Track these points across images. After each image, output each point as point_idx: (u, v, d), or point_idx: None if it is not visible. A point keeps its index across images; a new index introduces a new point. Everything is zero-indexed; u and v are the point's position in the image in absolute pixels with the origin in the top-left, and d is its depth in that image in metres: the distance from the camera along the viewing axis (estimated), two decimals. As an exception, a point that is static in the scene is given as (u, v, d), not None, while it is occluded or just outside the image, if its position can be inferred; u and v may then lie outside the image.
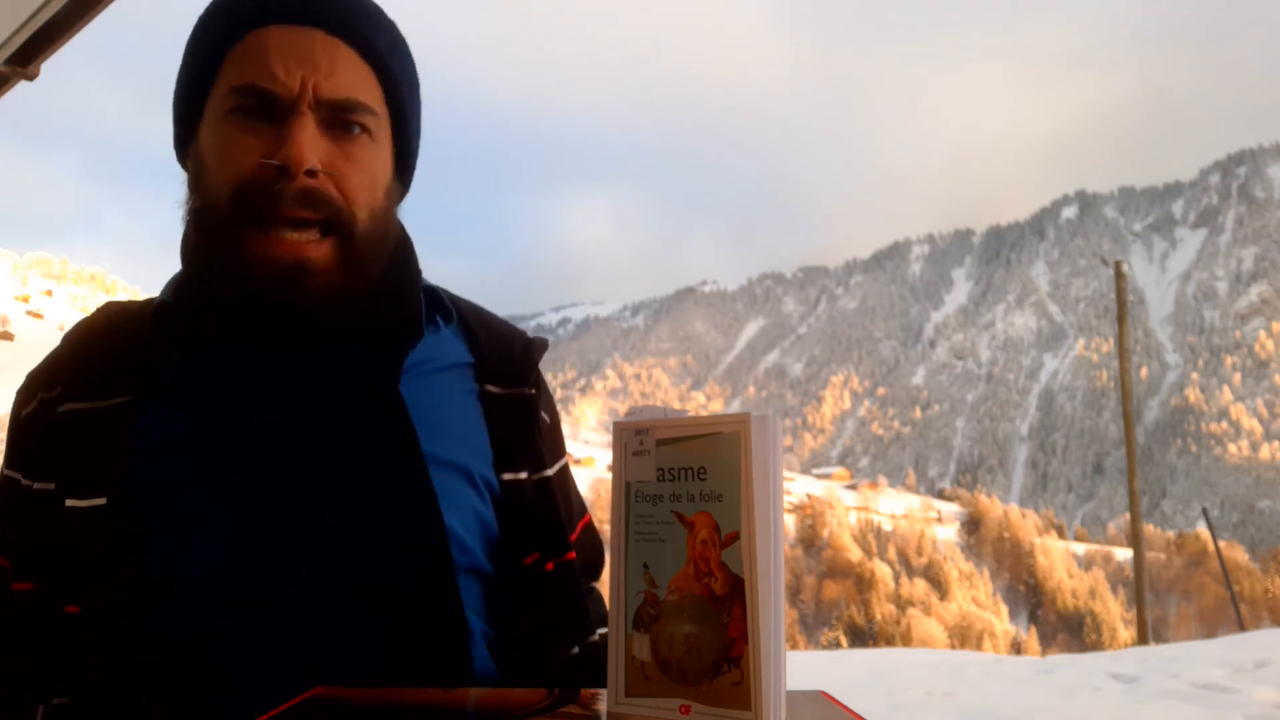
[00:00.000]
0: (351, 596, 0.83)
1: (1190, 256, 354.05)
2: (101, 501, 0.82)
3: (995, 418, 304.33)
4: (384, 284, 0.91)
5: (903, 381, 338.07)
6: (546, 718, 0.66)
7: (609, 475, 0.69)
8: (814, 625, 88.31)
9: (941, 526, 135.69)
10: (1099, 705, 5.40)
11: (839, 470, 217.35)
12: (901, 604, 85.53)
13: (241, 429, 0.85)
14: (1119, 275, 15.90)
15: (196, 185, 0.88)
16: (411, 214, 1.00)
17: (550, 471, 1.02)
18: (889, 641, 71.93)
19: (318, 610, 0.81)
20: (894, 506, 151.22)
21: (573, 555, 0.98)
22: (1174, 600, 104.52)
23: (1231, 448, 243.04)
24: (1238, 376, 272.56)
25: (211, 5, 0.89)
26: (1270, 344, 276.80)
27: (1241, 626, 15.08)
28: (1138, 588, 14.18)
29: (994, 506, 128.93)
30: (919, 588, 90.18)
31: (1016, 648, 76.17)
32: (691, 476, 0.63)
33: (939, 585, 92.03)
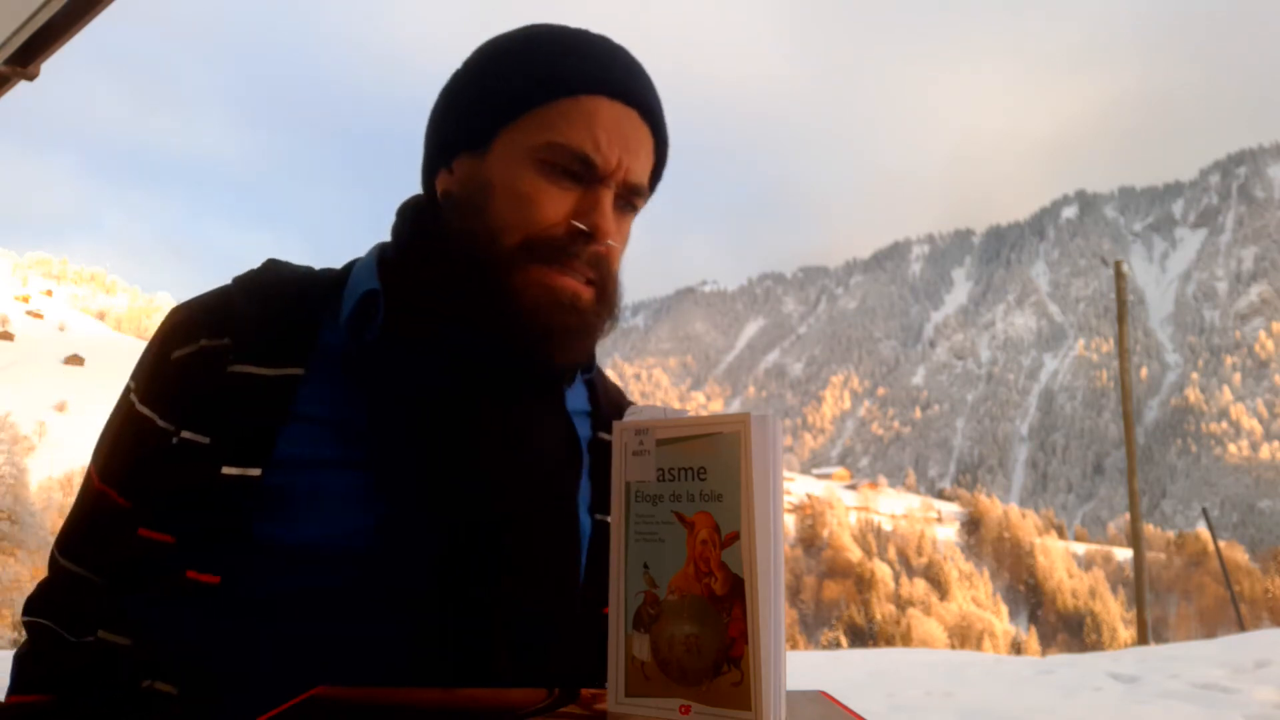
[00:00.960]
0: (484, 608, 0.84)
1: (1190, 256, 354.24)
2: (256, 473, 0.83)
3: (995, 418, 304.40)
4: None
5: (903, 381, 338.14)
6: (546, 718, 0.66)
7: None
8: (814, 625, 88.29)
9: (941, 526, 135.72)
10: (1099, 705, 5.39)
11: (839, 470, 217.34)
12: (901, 604, 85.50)
13: (406, 422, 0.86)
14: (1119, 275, 15.89)
15: (470, 206, 0.91)
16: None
17: None
18: (889, 641, 71.91)
19: (447, 616, 0.83)
20: (894, 506, 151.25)
21: None
22: (1174, 600, 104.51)
23: (1231, 448, 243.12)
24: (1238, 376, 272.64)
25: (539, 48, 0.92)
26: (1270, 344, 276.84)
27: (1241, 626, 15.09)
28: (1138, 588, 14.17)
29: (994, 506, 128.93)
30: (919, 588, 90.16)
31: (1016, 648, 76.16)
32: (691, 476, 0.63)
33: (939, 585, 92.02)
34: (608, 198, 0.89)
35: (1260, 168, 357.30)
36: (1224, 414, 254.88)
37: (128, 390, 0.92)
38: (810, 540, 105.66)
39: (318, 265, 1.00)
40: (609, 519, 0.99)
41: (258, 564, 0.82)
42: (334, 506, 0.83)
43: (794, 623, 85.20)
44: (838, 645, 71.52)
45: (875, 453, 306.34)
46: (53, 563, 0.90)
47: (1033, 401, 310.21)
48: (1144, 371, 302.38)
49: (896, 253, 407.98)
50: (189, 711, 0.80)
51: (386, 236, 0.96)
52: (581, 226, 0.88)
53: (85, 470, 0.94)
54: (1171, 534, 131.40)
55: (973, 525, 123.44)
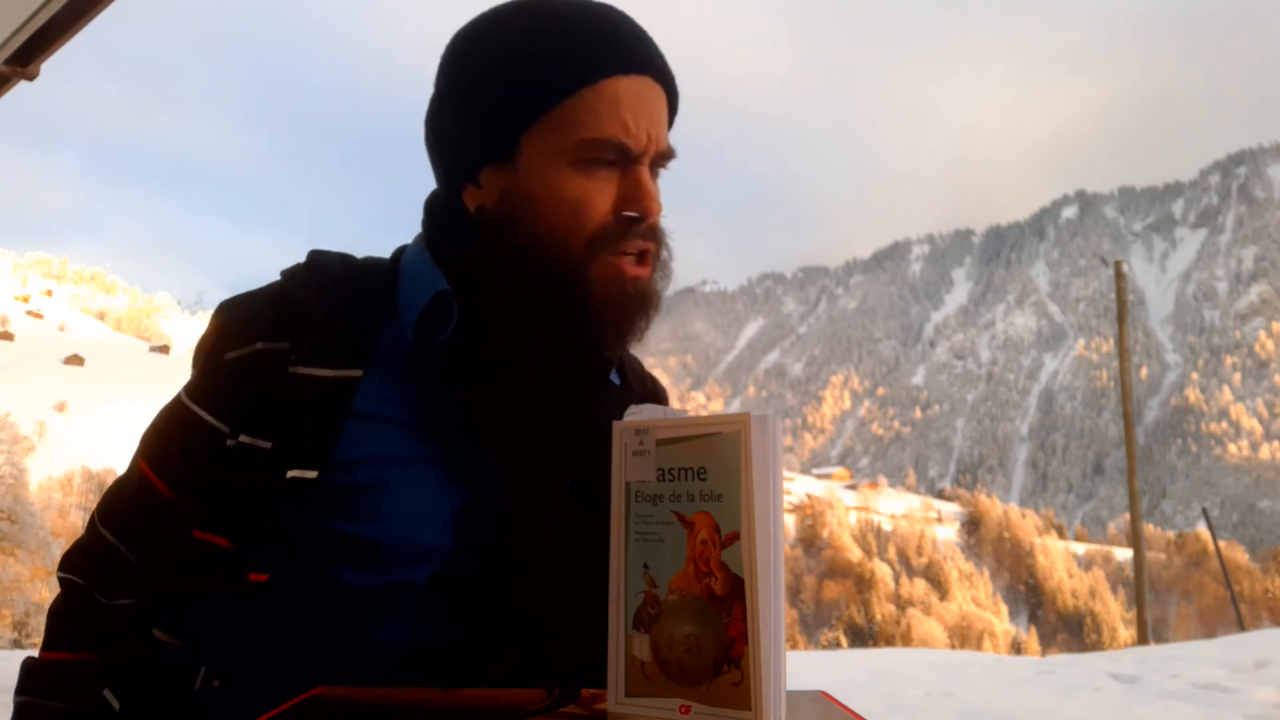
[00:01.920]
0: (529, 607, 0.84)
1: (1190, 256, 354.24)
2: (314, 475, 0.83)
3: (995, 418, 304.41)
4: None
5: (903, 381, 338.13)
6: (546, 718, 0.66)
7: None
8: (814, 625, 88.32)
9: (941, 526, 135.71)
10: (1099, 705, 5.39)
11: (839, 470, 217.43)
12: (901, 604, 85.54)
13: (462, 426, 0.87)
14: (1119, 275, 15.90)
15: (520, 221, 0.89)
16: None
17: None
18: (889, 641, 71.92)
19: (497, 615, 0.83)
20: (894, 506, 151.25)
21: None
22: (1174, 600, 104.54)
23: (1231, 448, 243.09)
24: (1238, 376, 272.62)
25: (543, 44, 0.88)
26: (1270, 344, 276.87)
27: (1241, 626, 15.09)
28: (1138, 588, 14.18)
29: (994, 506, 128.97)
30: (919, 588, 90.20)
31: (1016, 648, 76.18)
32: (691, 476, 0.63)
33: (939, 585, 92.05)
34: (646, 175, 0.89)
35: (1260, 168, 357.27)
36: (1224, 414, 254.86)
37: (183, 388, 0.92)
38: (810, 540, 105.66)
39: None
40: None
41: (318, 563, 0.82)
42: (402, 503, 0.83)
43: (794, 623, 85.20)
44: (838, 645, 71.54)
45: (875, 453, 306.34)
46: (91, 527, 0.91)
47: (1033, 401, 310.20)
48: (1144, 371, 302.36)
49: (896, 253, 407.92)
50: (230, 699, 0.81)
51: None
52: (633, 215, 0.88)
53: (126, 461, 0.94)
54: (1171, 534, 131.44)
55: (973, 525, 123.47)
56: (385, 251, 1.01)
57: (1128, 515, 16.90)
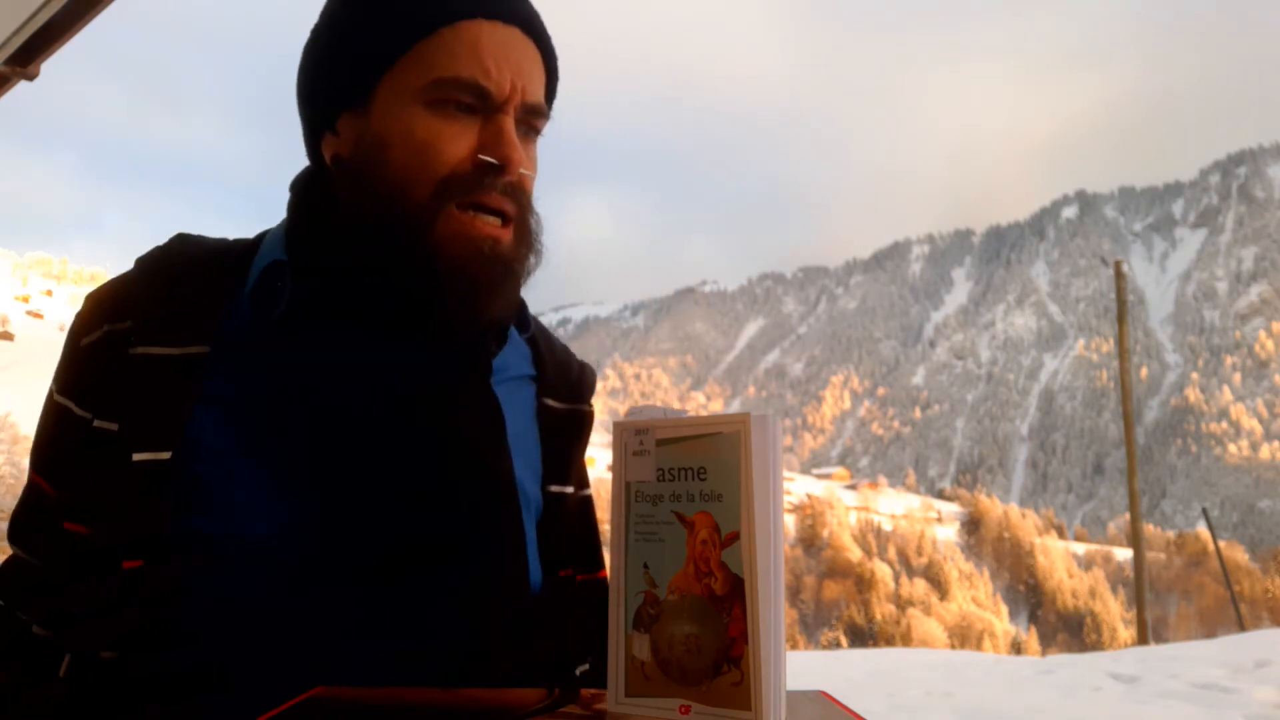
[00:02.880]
0: (420, 585, 0.82)
1: (1190, 256, 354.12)
2: (166, 456, 0.79)
3: (995, 418, 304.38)
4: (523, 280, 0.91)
5: (903, 381, 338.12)
6: (546, 718, 0.65)
7: (609, 475, 0.69)
8: (814, 625, 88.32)
9: (941, 526, 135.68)
10: (1099, 705, 5.39)
11: (839, 470, 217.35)
12: (901, 604, 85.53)
13: (319, 407, 0.83)
14: (1119, 275, 15.89)
15: (368, 167, 0.85)
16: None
17: (590, 490, 1.05)
18: (889, 641, 71.94)
19: (377, 593, 0.81)
20: (894, 506, 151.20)
21: (604, 573, 0.98)
22: (1174, 600, 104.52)
23: (1231, 448, 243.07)
24: (1238, 376, 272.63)
25: None
26: (1270, 344, 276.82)
27: (1241, 626, 15.07)
28: (1138, 588, 14.18)
29: (994, 506, 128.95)
30: (919, 588, 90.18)
31: (1016, 648, 76.16)
32: (691, 476, 0.63)
33: (939, 585, 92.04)
34: (509, 124, 0.84)
35: (1260, 168, 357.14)
36: (1224, 414, 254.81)
37: (51, 382, 0.90)
38: (810, 540, 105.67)
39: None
40: (567, 490, 0.97)
41: (176, 556, 0.78)
42: (243, 496, 0.80)
43: (794, 623, 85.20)
44: (838, 645, 71.56)
45: (875, 453, 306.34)
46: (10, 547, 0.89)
47: (1033, 401, 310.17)
48: (1144, 371, 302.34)
49: (896, 253, 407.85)
50: (229, 699, 0.77)
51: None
52: (490, 160, 0.83)
53: None
54: (1171, 534, 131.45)
55: (973, 525, 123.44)
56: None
57: (1128, 515, 16.90)
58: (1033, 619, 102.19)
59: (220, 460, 0.80)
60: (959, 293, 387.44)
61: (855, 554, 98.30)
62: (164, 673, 0.77)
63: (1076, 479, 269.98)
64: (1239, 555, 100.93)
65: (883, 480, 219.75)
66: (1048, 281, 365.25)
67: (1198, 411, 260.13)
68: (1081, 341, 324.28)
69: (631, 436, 0.67)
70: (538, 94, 0.87)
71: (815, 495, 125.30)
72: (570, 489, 0.99)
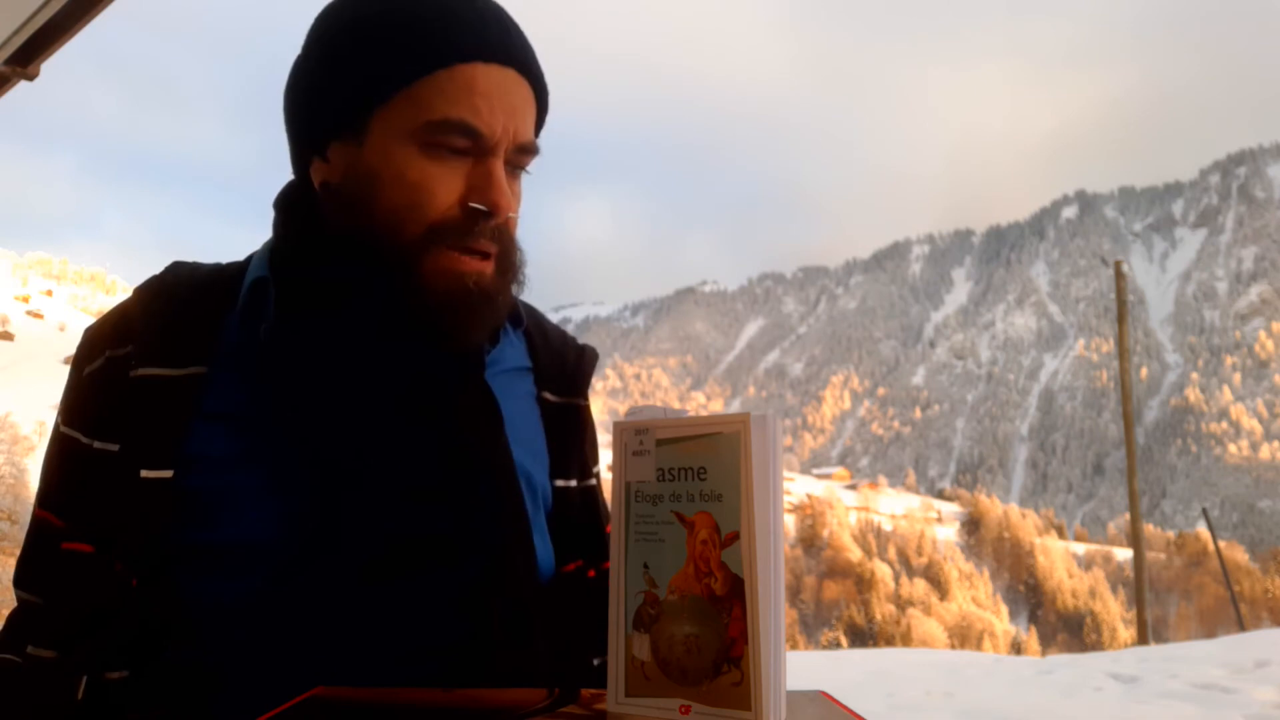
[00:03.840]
0: (420, 585, 0.83)
1: (1190, 256, 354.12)
2: (169, 474, 0.81)
3: (995, 418, 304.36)
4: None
5: (903, 381, 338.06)
6: (546, 718, 0.65)
7: (609, 475, 0.69)
8: (814, 625, 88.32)
9: (941, 526, 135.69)
10: (1099, 705, 5.39)
11: (839, 470, 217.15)
12: (901, 604, 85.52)
13: (314, 412, 0.84)
14: (1119, 275, 15.88)
15: (359, 199, 0.86)
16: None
17: (594, 480, 1.05)
18: (889, 641, 71.93)
19: (384, 598, 0.81)
20: (894, 506, 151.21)
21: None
22: (1174, 600, 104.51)
23: (1231, 448, 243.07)
24: (1238, 376, 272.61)
25: (403, 20, 0.85)
26: (1270, 344, 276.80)
27: (1241, 626, 15.08)
28: (1138, 588, 14.17)
29: (994, 506, 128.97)
30: (919, 588, 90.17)
31: (1016, 648, 76.17)
32: (691, 476, 0.63)
33: (939, 585, 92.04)
34: (499, 168, 0.85)
35: (1260, 168, 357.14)
36: (1224, 414, 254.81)
37: (57, 415, 0.91)
38: (810, 540, 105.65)
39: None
40: (570, 484, 0.97)
41: (179, 567, 0.81)
42: (244, 504, 0.82)
43: (794, 623, 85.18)
44: (838, 645, 71.54)
45: (875, 453, 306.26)
46: (16, 594, 0.90)
47: (1033, 401, 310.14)
48: (1144, 371, 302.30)
49: (896, 253, 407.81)
50: (229, 701, 0.78)
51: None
52: (480, 207, 0.84)
53: None
54: (1171, 534, 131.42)
55: (973, 525, 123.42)
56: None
57: (1128, 515, 16.89)
58: (1033, 619, 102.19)
59: (220, 472, 0.82)
60: (959, 293, 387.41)
61: (855, 554, 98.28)
62: (165, 674, 0.79)
63: (1076, 479, 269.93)
64: (1239, 555, 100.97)
65: (883, 480, 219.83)
66: (1048, 281, 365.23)
67: (1198, 411, 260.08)
68: (1081, 341, 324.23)
69: (631, 436, 0.67)
70: (528, 134, 0.88)
71: (815, 495, 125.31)
72: (573, 482, 1.00)
